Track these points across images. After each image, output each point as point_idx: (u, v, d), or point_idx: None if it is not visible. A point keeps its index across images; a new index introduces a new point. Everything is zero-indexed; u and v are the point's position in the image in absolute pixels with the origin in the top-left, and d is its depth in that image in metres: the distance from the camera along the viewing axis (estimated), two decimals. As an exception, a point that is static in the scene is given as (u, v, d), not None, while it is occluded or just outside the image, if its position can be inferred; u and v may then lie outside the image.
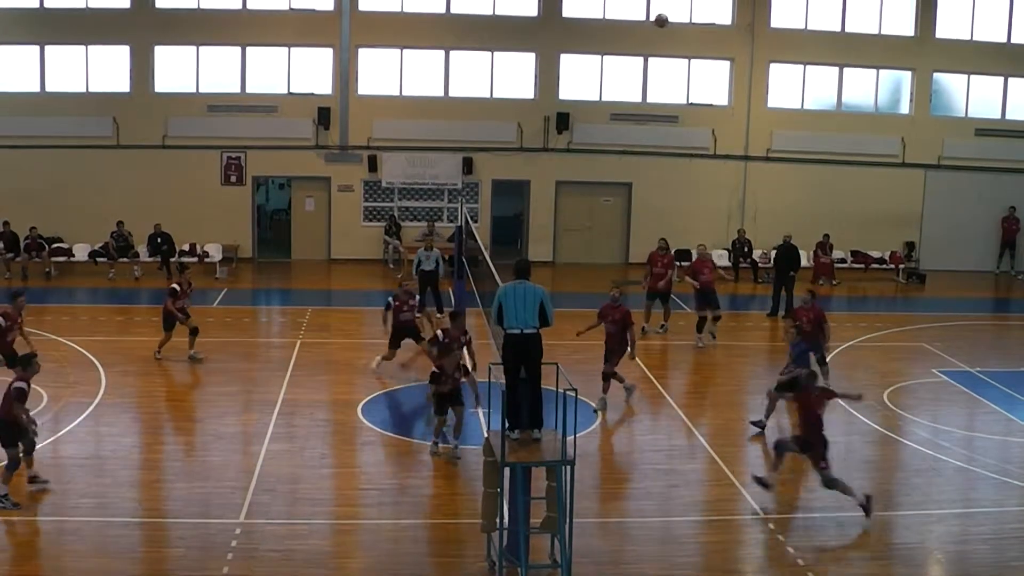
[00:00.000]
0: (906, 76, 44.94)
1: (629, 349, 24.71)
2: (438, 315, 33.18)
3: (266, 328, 34.08)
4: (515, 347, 16.12)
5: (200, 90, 42.07)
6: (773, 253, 36.81)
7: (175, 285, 27.46)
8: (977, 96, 45.26)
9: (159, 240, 39.71)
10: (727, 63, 43.85)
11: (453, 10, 42.50)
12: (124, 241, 39.47)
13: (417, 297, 28.05)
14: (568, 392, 15.15)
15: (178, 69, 41.98)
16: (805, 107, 44.55)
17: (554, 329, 16.74)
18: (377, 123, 42.59)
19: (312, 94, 42.46)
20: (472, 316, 31.97)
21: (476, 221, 40.95)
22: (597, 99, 43.58)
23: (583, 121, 43.17)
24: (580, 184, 44.12)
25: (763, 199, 43.88)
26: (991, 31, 44.45)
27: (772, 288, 35.78)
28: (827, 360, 25.82)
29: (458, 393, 21.67)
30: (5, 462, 18.52)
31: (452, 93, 43.20)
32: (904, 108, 45.22)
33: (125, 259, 39.18)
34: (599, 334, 24.97)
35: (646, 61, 43.62)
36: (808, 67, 44.25)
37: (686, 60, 43.73)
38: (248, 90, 42.32)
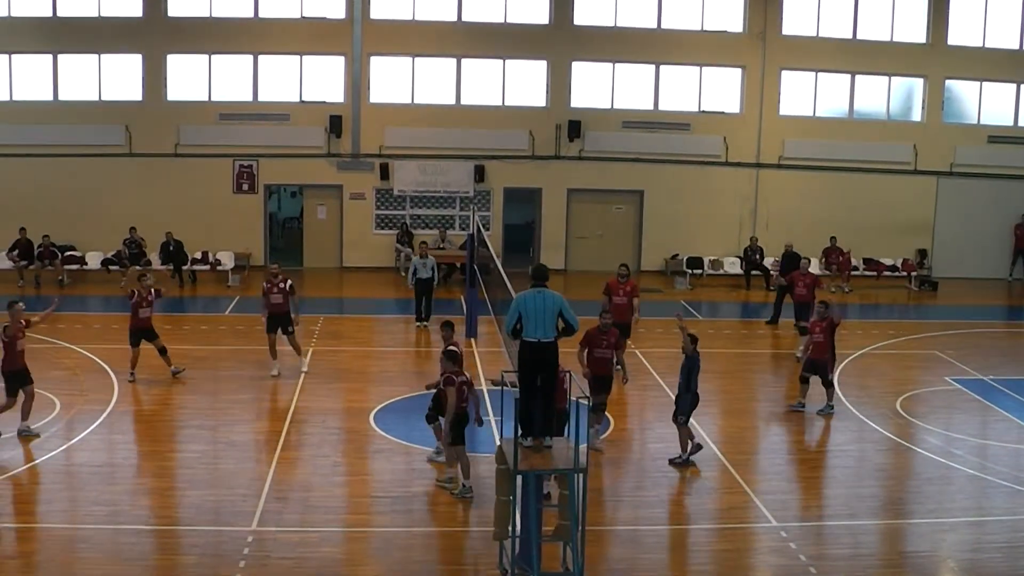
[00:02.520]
0: (918, 83, 44.89)
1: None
2: (423, 323, 33.14)
3: (278, 336, 34.06)
4: (533, 355, 16.09)
5: (212, 98, 42.18)
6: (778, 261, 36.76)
7: (133, 291, 26.76)
8: (989, 103, 45.18)
9: (171, 248, 39.77)
10: (739, 71, 43.84)
11: (465, 18, 42.55)
12: (137, 248, 39.54)
13: (289, 283, 27.42)
14: (580, 400, 15.14)
15: (190, 77, 42.11)
16: (817, 114, 44.52)
17: (570, 338, 16.74)
18: (389, 131, 42.65)
19: (324, 102, 42.52)
20: (483, 323, 32.03)
21: (488, 229, 40.95)
22: (609, 107, 43.58)
23: (595, 129, 43.18)
24: (592, 192, 44.14)
25: (775, 207, 43.84)
26: (1003, 38, 44.40)
27: (775, 296, 35.53)
28: (833, 383, 25.64)
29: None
30: None
31: (464, 101, 43.22)
32: (916, 115, 45.16)
33: (138, 267, 39.16)
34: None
35: (657, 69, 43.62)
36: (820, 74, 44.22)
37: (698, 68, 43.72)
38: (260, 98, 42.40)
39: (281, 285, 27.29)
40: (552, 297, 16.18)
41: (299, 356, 27.77)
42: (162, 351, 26.83)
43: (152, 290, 26.95)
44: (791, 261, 36.12)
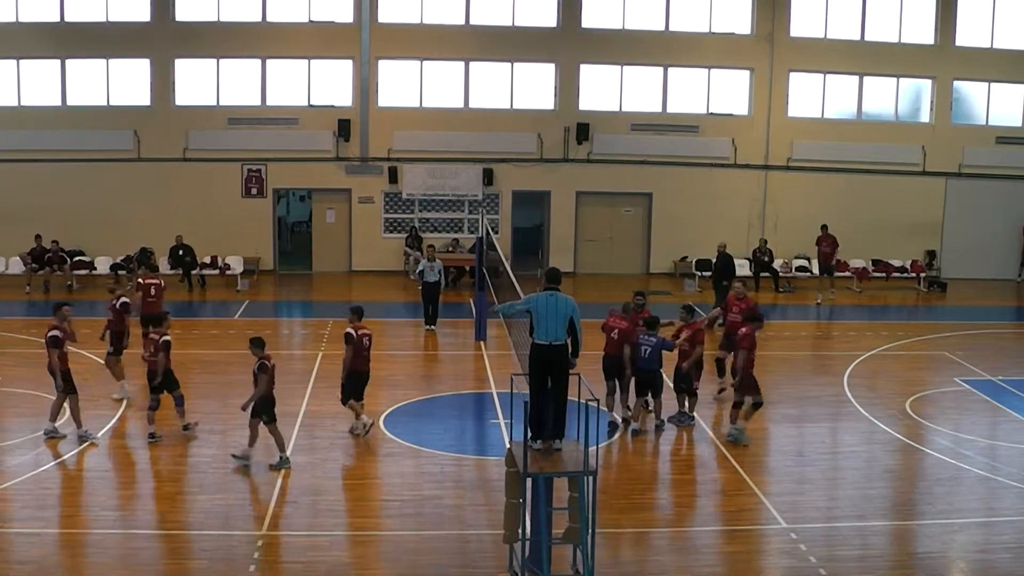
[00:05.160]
0: (926, 84, 44.88)
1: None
2: (431, 327, 33.08)
3: (287, 340, 34.12)
4: (543, 357, 16.12)
5: (221, 103, 42.26)
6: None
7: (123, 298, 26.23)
8: (998, 104, 45.20)
9: (180, 252, 39.80)
10: (747, 72, 43.85)
11: (473, 21, 42.59)
12: (148, 257, 39.08)
13: (121, 300, 26.09)
14: (590, 403, 15.15)
15: (199, 82, 42.21)
16: (825, 116, 44.55)
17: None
18: (397, 135, 42.70)
19: (332, 106, 42.61)
20: (493, 327, 32.05)
21: (497, 232, 40.97)
22: (617, 109, 43.62)
23: (603, 131, 43.20)
24: (600, 194, 44.17)
25: (784, 208, 43.84)
26: (1011, 39, 44.34)
27: (715, 298, 34.94)
28: (696, 392, 24.82)
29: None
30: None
31: (472, 104, 43.28)
32: (924, 116, 45.14)
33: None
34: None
35: (666, 71, 43.66)
36: (828, 76, 44.25)
37: (706, 70, 43.76)
38: (268, 103, 42.49)
39: (113, 303, 26.12)
40: (565, 301, 16.20)
41: (118, 380, 26.00)
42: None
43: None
44: (725, 264, 35.74)
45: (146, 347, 23.33)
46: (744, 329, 23.10)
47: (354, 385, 23.30)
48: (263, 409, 21.19)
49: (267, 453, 22.11)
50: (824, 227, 40.92)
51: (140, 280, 28.55)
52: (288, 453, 21.68)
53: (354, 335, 23.08)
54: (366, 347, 23.29)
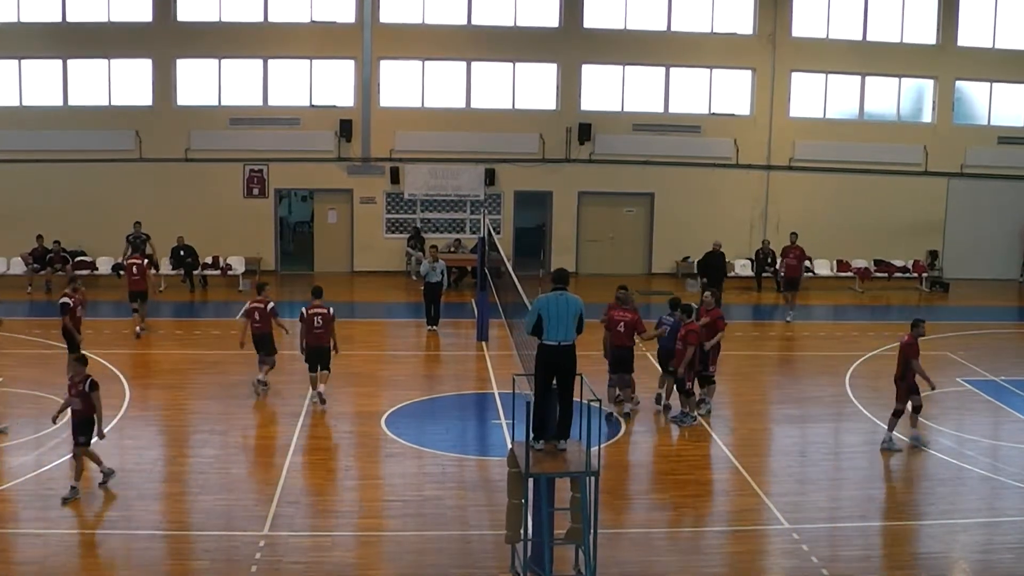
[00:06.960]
0: (928, 84, 44.83)
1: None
2: (432, 327, 33.04)
3: (289, 340, 34.06)
4: (552, 359, 16.11)
5: (222, 103, 42.20)
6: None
7: (66, 300, 25.80)
8: (999, 104, 45.11)
9: (182, 253, 39.77)
10: (749, 72, 43.80)
11: (474, 21, 42.54)
12: (141, 243, 38.93)
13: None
14: (592, 403, 15.13)
15: (200, 82, 42.14)
16: (827, 116, 44.47)
17: (580, 339, 16.65)
18: (399, 135, 42.67)
19: (334, 106, 42.56)
20: (494, 327, 32.03)
21: (499, 232, 40.91)
22: (619, 110, 43.56)
23: (605, 132, 43.16)
24: (602, 195, 44.11)
25: (786, 209, 43.76)
26: (1013, 39, 44.27)
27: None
28: (691, 392, 24.72)
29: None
30: None
31: (474, 104, 43.23)
32: (926, 116, 45.09)
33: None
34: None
35: (668, 71, 43.61)
36: (830, 76, 44.17)
37: (708, 70, 43.71)
38: (270, 103, 42.43)
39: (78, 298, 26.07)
40: (574, 301, 16.21)
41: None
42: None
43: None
44: (716, 263, 35.40)
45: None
46: (907, 338, 23.04)
47: (309, 359, 25.47)
48: (83, 431, 19.89)
49: (266, 453, 22.14)
50: (793, 235, 37.95)
51: (124, 260, 28.77)
52: (289, 455, 21.70)
53: (304, 314, 25.53)
54: (318, 325, 25.37)
